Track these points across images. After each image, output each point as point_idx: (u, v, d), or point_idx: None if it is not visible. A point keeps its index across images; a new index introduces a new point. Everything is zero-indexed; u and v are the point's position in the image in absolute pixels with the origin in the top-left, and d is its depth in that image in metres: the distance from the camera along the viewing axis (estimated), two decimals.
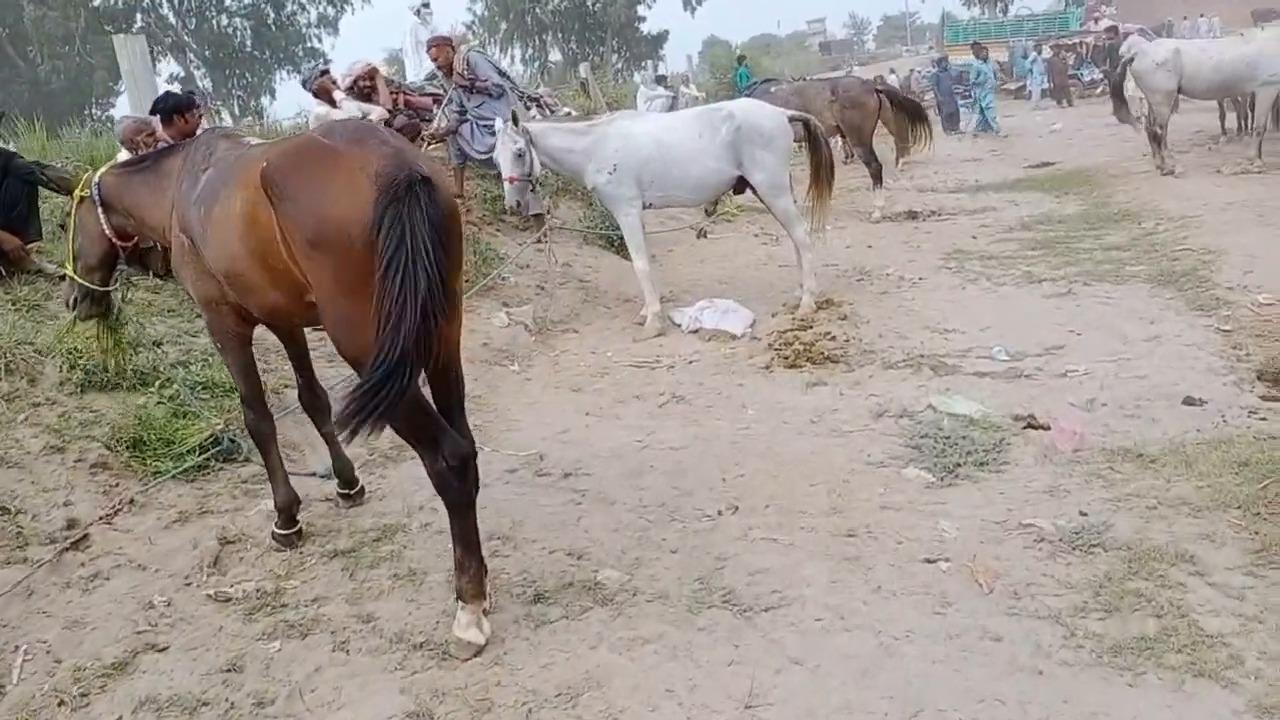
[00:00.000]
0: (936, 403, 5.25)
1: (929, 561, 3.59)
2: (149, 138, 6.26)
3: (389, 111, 8.89)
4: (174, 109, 5.95)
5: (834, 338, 6.80)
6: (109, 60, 42.16)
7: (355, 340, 3.01)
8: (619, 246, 9.33)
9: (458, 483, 3.15)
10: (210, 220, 3.38)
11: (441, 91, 9.75)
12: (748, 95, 11.74)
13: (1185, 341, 5.98)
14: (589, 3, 66.48)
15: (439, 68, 9.14)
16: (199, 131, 5.55)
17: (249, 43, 58.91)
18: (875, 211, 11.50)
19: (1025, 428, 4.86)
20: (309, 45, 60.94)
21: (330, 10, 62.32)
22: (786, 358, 6.46)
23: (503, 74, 9.02)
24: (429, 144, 9.19)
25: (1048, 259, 8.49)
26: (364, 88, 9.04)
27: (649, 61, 51.70)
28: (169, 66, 58.58)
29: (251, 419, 4.08)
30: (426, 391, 3.30)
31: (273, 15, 60.29)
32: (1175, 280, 7.28)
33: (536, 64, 64.57)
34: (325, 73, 8.66)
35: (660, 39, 67.98)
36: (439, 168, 3.54)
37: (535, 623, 3.40)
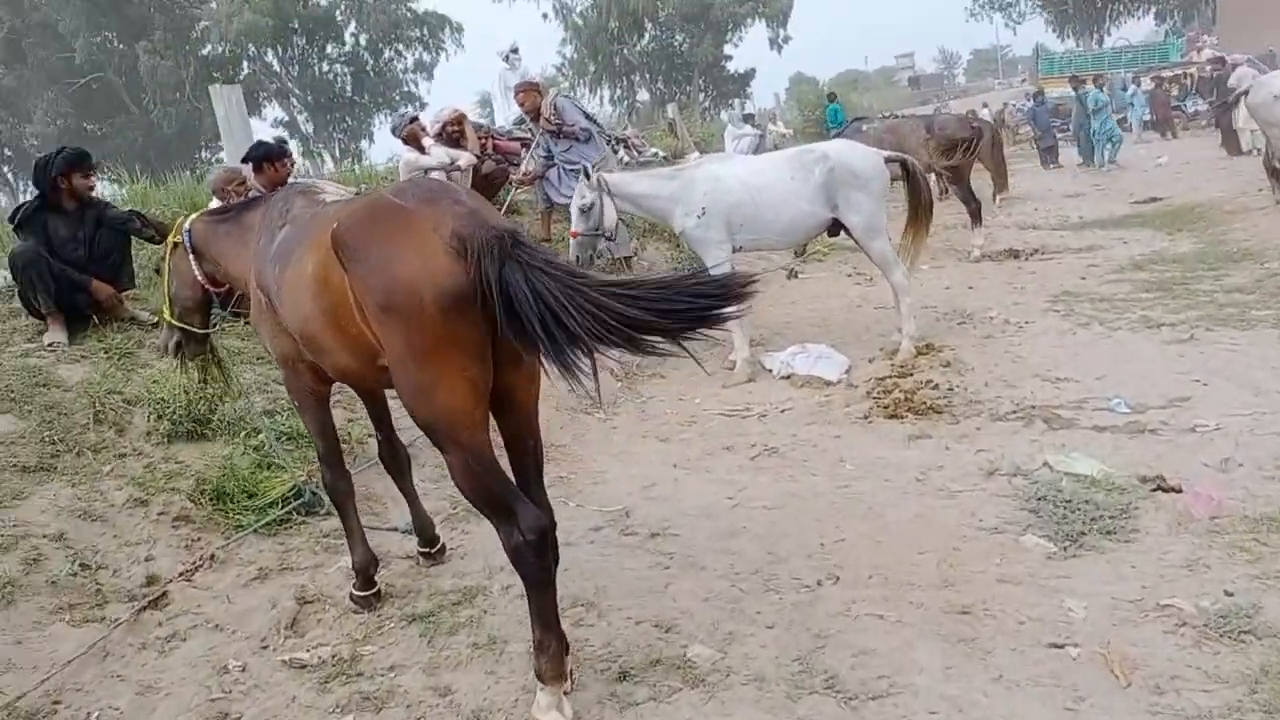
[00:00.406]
0: (1053, 461, 4.87)
1: (1056, 646, 3.23)
2: (239, 186, 6.31)
3: (477, 157, 8.88)
4: (264, 157, 5.98)
5: (936, 386, 6.45)
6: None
7: (427, 406, 2.86)
8: None
9: (535, 558, 2.94)
10: (284, 280, 3.27)
11: (529, 136, 9.75)
12: (838, 135, 11.48)
13: None
14: (676, 43, 67.19)
15: (526, 113, 9.14)
16: (290, 180, 5.55)
17: (349, 88, 61.10)
18: (975, 250, 11.07)
19: (1154, 490, 4.45)
20: (405, 90, 62.97)
21: (426, 56, 64.39)
22: (886, 407, 6.13)
23: (589, 118, 8.95)
24: (517, 188, 9.16)
25: (1164, 301, 7.98)
26: (452, 133, 9.07)
27: (736, 100, 51.78)
28: (274, 111, 61.05)
29: (329, 477, 3.96)
30: (502, 460, 3.11)
31: (371, 62, 62.53)
32: None
33: (625, 104, 65.39)
34: (415, 119, 8.70)
35: (747, 77, 68.16)
36: (512, 223, 3.38)
37: (621, 704, 3.16)
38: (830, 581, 3.82)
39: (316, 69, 61.17)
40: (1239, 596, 3.42)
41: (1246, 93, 11.36)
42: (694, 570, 4.04)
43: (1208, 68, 23.50)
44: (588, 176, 7.10)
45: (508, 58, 12.08)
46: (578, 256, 7.11)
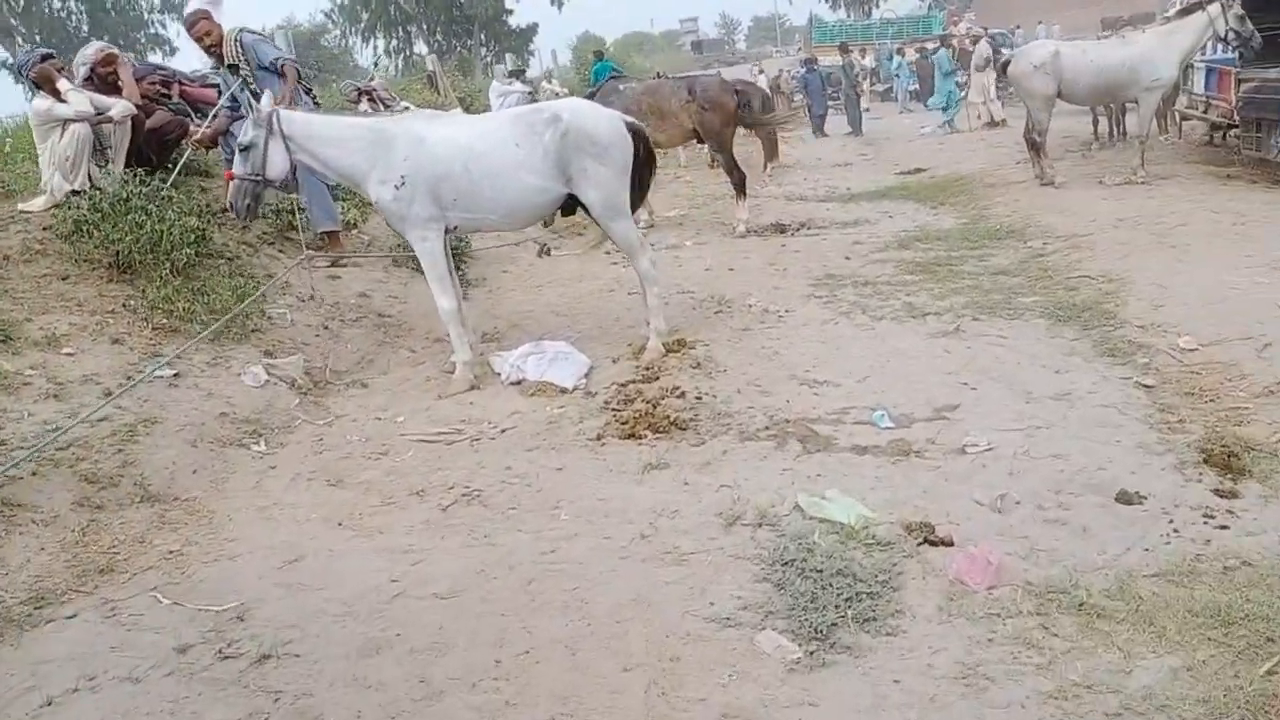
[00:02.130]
0: (805, 503, 3.97)
1: None
2: None
3: (138, 106, 7.14)
4: None
5: (683, 394, 5.49)
6: None
7: None
8: None
9: None
10: None
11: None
12: (592, 94, 10.37)
13: (1103, 400, 4.89)
14: None
15: (206, 50, 7.44)
16: None
17: (85, 28, 54.86)
18: (739, 225, 10.30)
19: (921, 543, 3.62)
20: (151, 31, 57.20)
21: None
22: (624, 423, 5.10)
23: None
24: (194, 149, 7.49)
25: (929, 285, 7.40)
26: (105, 75, 7.27)
27: (507, 55, 49.75)
28: None
29: None
30: None
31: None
32: (1077, 315, 6.25)
33: (401, 57, 62.01)
34: (48, 57, 6.86)
35: (529, 33, 66.23)
36: None
37: None
38: None
39: (47, 4, 54.55)
40: None
41: (1007, 64, 11.13)
42: None
43: (967, 41, 24.13)
44: (255, 105, 5.63)
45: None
46: (233, 203, 5.64)
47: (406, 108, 15.02)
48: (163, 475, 4.38)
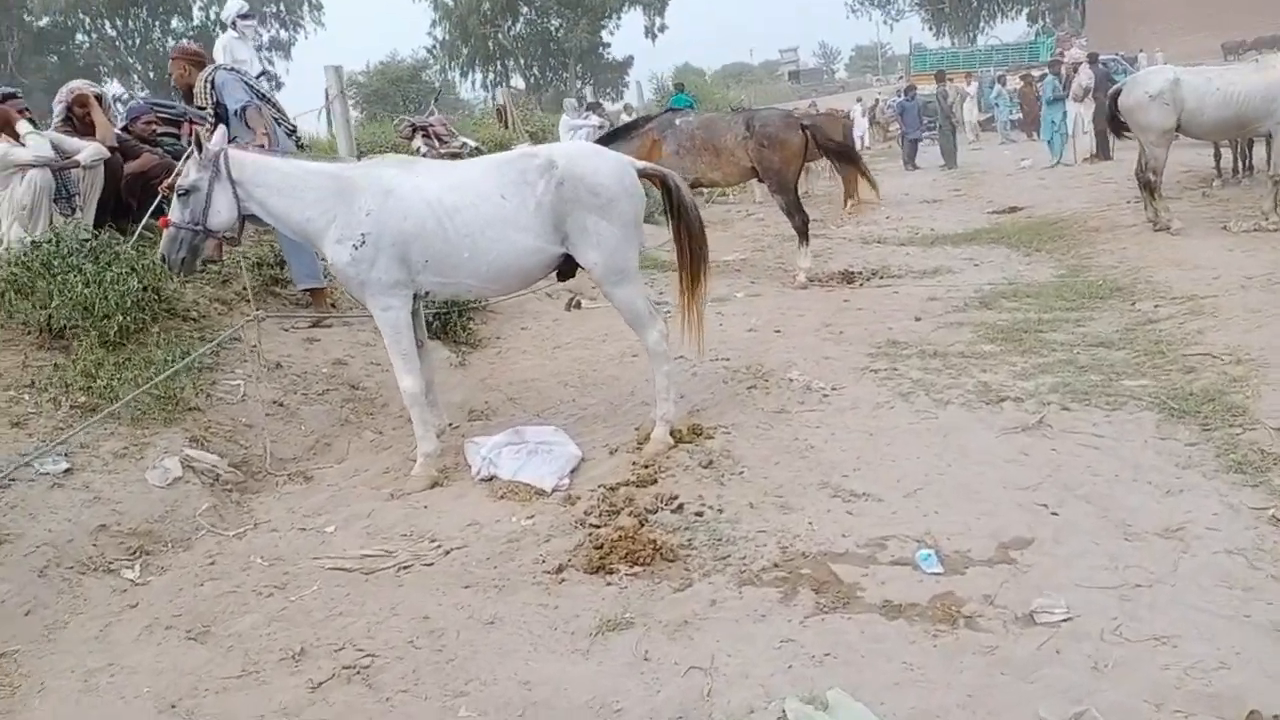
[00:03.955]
0: (793, 712, 2.83)
1: None
2: None
3: (112, 149, 6.44)
4: None
5: (681, 507, 4.40)
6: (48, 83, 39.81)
7: None
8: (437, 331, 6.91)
9: None
10: None
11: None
12: (605, 138, 9.40)
13: (1227, 543, 3.64)
14: (552, 28, 64.81)
15: (185, 96, 6.73)
16: None
17: None
18: (800, 274, 9.15)
19: None
20: (259, 70, 58.97)
21: (283, 34, 60.63)
22: (599, 548, 4.03)
23: (265, 98, 6.58)
24: (168, 195, 6.75)
25: (1010, 359, 6.14)
26: (82, 116, 6.60)
27: (588, 86, 49.32)
28: (113, 89, 57.21)
29: None
30: None
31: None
32: (1196, 409, 4.94)
33: (499, 89, 62.52)
34: (10, 97, 6.22)
35: (625, 65, 66.22)
36: None
37: None
38: None
39: (159, 44, 56.81)
40: None
41: (1119, 93, 9.73)
42: None
43: (1074, 67, 22.42)
44: (199, 147, 4.77)
45: (234, 23, 9.58)
46: (165, 255, 4.76)
47: (465, 145, 14.35)
48: None
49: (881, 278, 9.38)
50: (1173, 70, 9.48)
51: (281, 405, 5.46)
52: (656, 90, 29.45)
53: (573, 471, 4.92)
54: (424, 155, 11.93)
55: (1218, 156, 13.08)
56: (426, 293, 5.07)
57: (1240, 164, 13.04)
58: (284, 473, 5.03)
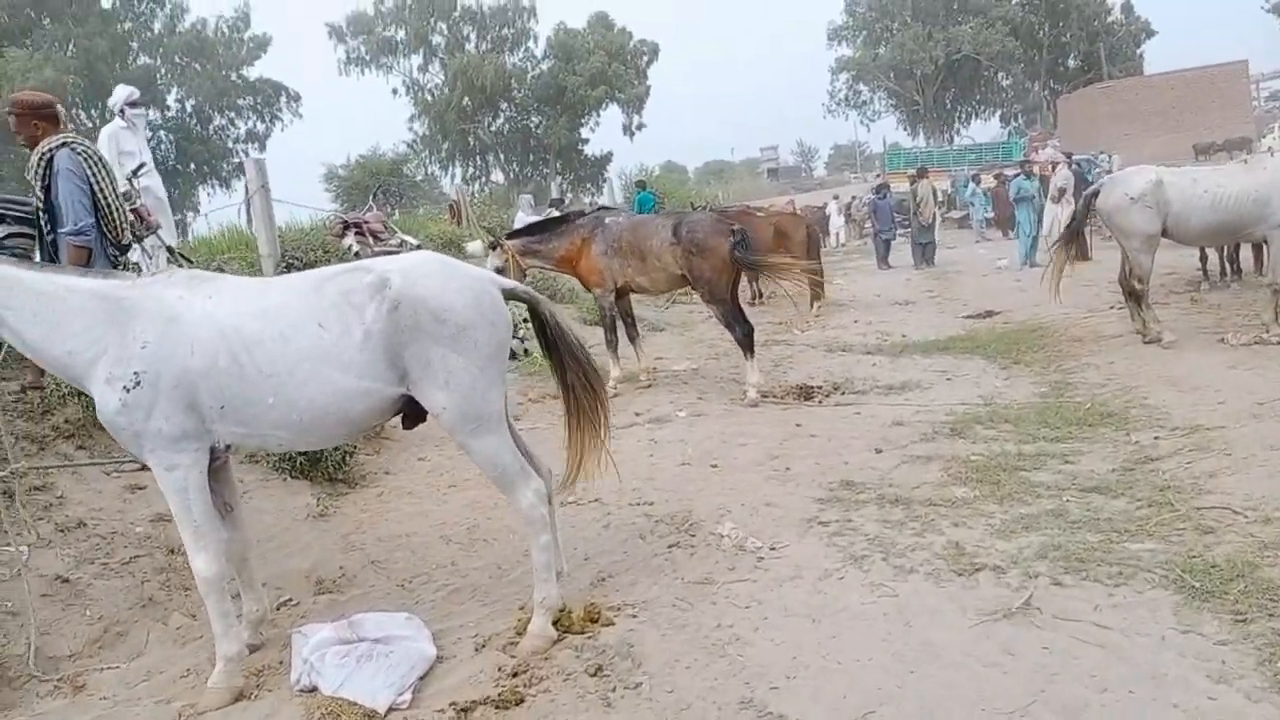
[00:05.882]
0: None
1: None
2: None
3: None
4: None
5: None
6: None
7: None
8: (303, 474, 5.78)
9: None
10: None
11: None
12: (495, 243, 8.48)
13: None
14: (532, 124, 65.27)
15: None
16: None
17: (173, 156, 56.57)
18: (750, 390, 8.11)
19: None
20: (236, 161, 58.68)
21: (260, 125, 60.49)
22: None
23: (100, 181, 5.44)
24: None
25: (987, 508, 5.07)
26: None
27: (564, 181, 48.96)
28: None
29: None
30: None
31: (199, 129, 58.32)
32: (1220, 589, 3.87)
33: (478, 184, 62.43)
34: None
35: (604, 161, 66.49)
36: None
37: None
38: None
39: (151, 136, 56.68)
40: None
41: (1095, 195, 8.91)
42: None
43: (1050, 167, 21.95)
44: None
45: (123, 111, 8.63)
46: None
47: (405, 242, 13.35)
48: None
49: (843, 393, 8.37)
50: (1154, 170, 8.65)
51: (66, 582, 4.29)
52: (624, 187, 28.91)
53: (421, 677, 3.77)
54: (356, 254, 10.94)
55: (1204, 258, 12.30)
56: (228, 446, 3.95)
57: (1228, 266, 12.25)
58: (51, 677, 3.85)
